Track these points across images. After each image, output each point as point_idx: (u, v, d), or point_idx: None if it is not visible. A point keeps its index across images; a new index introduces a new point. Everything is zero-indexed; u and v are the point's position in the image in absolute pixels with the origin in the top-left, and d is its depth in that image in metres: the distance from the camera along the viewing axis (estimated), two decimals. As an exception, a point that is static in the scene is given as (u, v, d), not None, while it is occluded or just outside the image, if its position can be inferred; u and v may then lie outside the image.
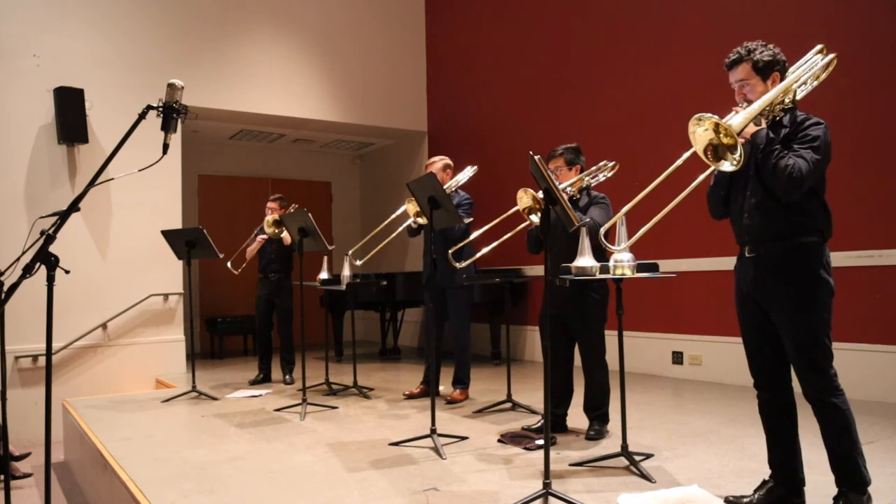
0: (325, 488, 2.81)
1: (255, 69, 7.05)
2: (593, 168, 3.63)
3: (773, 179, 2.24)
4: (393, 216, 5.02)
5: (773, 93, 2.28)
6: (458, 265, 4.16)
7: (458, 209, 3.87)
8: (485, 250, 4.02)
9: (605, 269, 2.86)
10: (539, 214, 3.19)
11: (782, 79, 2.35)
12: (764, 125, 2.31)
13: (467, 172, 4.64)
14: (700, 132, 2.17)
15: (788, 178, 2.18)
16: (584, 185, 3.59)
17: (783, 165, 2.20)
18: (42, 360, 5.50)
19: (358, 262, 4.93)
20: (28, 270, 2.03)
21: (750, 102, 2.30)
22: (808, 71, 2.38)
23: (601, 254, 3.08)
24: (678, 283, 5.08)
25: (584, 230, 2.92)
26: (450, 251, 4.16)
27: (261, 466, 3.17)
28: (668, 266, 4.50)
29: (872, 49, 4.33)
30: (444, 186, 4.03)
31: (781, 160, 2.21)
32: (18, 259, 2.44)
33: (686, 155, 2.38)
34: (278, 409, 4.50)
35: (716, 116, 2.13)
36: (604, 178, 3.64)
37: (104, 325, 6.09)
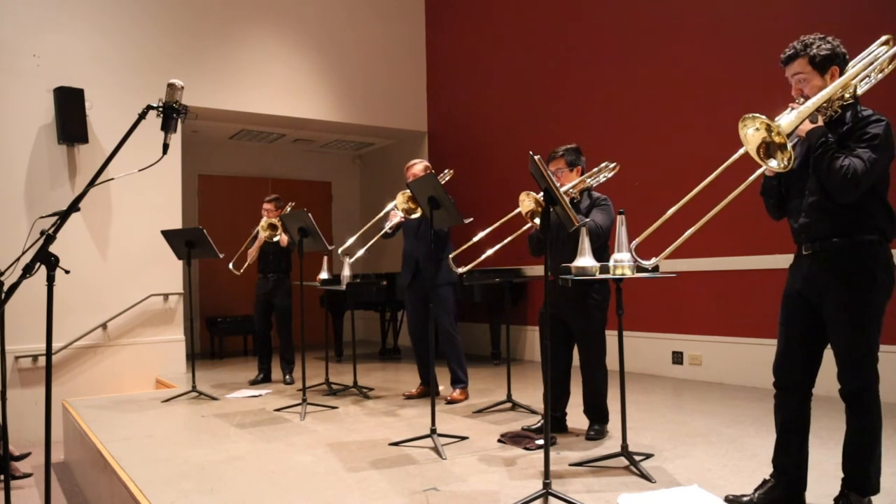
0: (325, 488, 2.81)
1: (255, 69, 7.06)
2: (595, 169, 3.61)
3: (827, 180, 2.15)
4: (380, 214, 5.02)
5: (830, 88, 2.17)
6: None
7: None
8: (461, 270, 4.03)
9: (605, 269, 2.85)
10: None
11: (842, 73, 2.23)
12: (820, 122, 2.21)
13: (444, 176, 4.65)
14: (751, 133, 2.07)
15: (843, 178, 2.09)
16: (586, 187, 3.58)
17: (838, 166, 2.10)
18: (42, 360, 5.50)
19: (350, 260, 4.93)
20: (28, 270, 2.03)
21: (807, 98, 2.19)
22: (871, 64, 2.26)
23: (603, 256, 3.08)
24: (678, 283, 5.08)
25: (584, 230, 2.92)
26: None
27: (261, 466, 3.17)
28: (667, 266, 4.49)
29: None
30: None
31: (836, 160, 2.11)
32: (18, 259, 2.44)
33: (736, 155, 2.29)
34: (278, 409, 4.50)
35: (765, 117, 2.05)
36: (605, 178, 3.63)
37: (104, 325, 6.09)
